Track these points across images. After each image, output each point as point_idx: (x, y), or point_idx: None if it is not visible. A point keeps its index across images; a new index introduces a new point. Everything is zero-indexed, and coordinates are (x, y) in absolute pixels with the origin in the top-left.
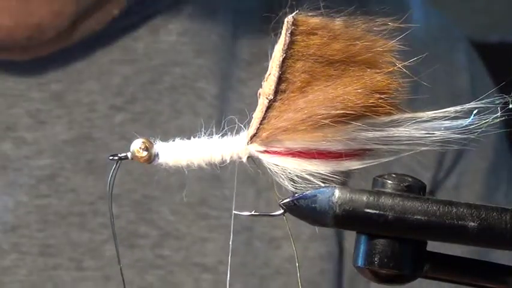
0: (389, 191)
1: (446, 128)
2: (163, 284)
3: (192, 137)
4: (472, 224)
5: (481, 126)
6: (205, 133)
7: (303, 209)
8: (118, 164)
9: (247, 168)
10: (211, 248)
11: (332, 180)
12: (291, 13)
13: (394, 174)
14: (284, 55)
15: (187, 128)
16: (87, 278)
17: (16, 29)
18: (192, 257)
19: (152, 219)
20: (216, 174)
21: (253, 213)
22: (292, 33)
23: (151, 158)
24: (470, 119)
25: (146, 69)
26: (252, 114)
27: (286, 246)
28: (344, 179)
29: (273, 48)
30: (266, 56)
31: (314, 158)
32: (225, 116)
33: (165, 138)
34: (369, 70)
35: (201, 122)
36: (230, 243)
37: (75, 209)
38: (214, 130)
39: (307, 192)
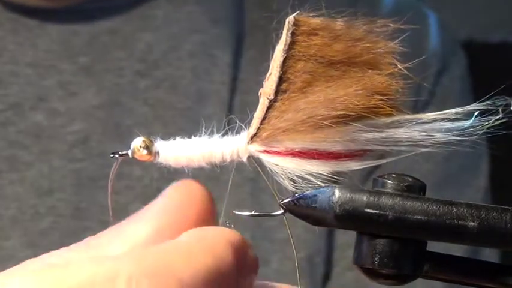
0: (390, 191)
1: (447, 130)
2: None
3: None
4: (472, 223)
5: (483, 128)
6: (205, 132)
7: (303, 209)
8: (118, 162)
9: None
10: None
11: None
12: (292, 13)
13: (394, 174)
14: (285, 55)
15: (206, 93)
16: None
17: None
18: None
19: None
20: None
21: (253, 213)
22: (293, 34)
23: (152, 156)
24: (472, 120)
25: (167, 36)
26: (253, 114)
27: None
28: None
29: (274, 48)
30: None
31: (314, 158)
32: (237, 82)
33: (186, 102)
34: (369, 71)
35: (216, 88)
36: None
37: (104, 172)
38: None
39: (307, 192)
